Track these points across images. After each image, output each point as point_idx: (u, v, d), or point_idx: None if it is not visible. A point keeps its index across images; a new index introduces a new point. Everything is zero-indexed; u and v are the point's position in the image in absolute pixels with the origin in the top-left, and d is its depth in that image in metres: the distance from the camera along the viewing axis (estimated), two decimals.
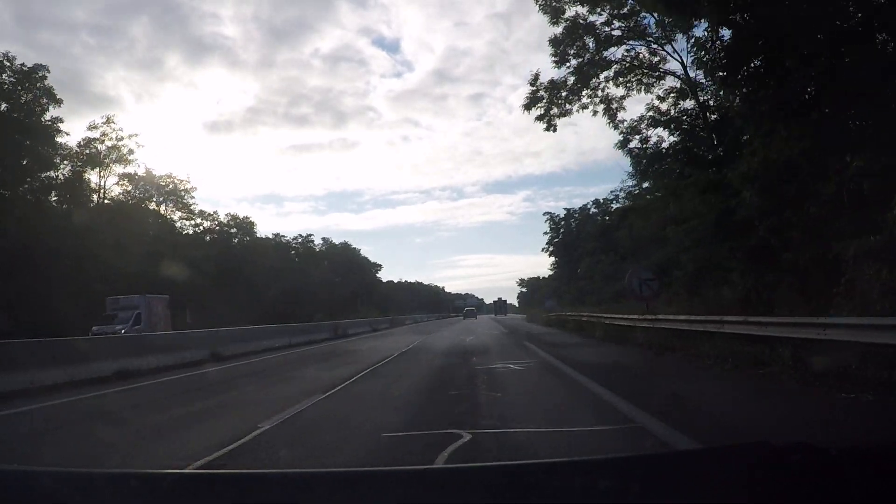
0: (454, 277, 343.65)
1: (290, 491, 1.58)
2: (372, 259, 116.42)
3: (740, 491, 1.35)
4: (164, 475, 2.12)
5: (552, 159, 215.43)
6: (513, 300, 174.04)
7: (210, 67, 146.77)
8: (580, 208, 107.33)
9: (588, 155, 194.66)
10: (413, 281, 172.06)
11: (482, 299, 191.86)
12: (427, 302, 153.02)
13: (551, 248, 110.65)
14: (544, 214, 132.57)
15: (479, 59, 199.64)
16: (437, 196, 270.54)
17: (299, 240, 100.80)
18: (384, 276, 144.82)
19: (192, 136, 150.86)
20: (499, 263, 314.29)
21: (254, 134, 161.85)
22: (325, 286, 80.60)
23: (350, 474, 1.70)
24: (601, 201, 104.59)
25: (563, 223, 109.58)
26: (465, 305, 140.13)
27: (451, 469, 1.98)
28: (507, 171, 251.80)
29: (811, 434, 5.71)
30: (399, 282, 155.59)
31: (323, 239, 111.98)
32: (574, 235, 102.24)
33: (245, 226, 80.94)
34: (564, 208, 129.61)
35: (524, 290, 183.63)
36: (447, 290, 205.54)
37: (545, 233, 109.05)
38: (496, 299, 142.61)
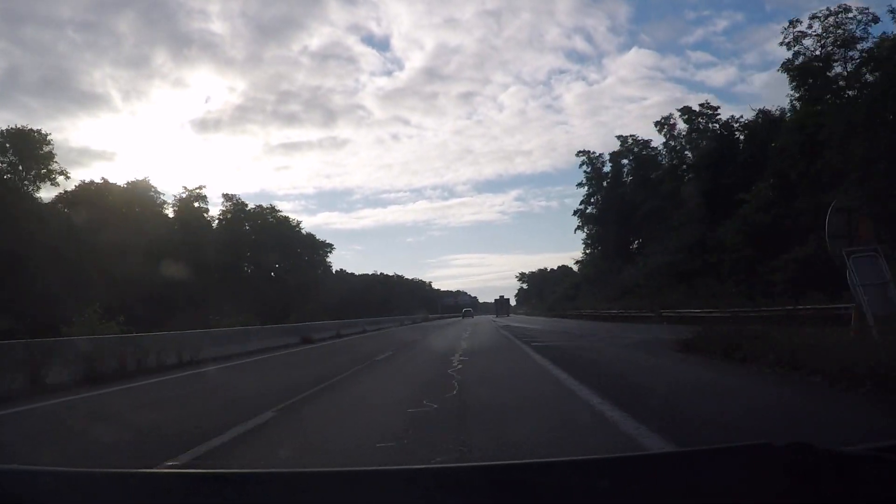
0: (446, 277, 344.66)
1: (290, 491, 1.58)
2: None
3: (741, 491, 1.36)
4: (164, 475, 2.11)
5: (543, 158, 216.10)
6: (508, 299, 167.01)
7: (198, 65, 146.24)
8: (663, 123, 55.42)
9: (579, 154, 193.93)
10: (391, 274, 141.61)
11: (475, 297, 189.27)
12: (410, 300, 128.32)
13: (586, 213, 71.45)
14: (578, 154, 74.44)
15: (469, 56, 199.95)
16: (427, 195, 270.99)
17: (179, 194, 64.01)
18: (365, 272, 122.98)
19: (181, 134, 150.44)
20: (491, 263, 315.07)
21: (242, 132, 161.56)
22: (209, 271, 53.98)
23: (350, 474, 1.70)
24: (697, 111, 50.23)
25: (608, 171, 69.97)
26: (457, 304, 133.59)
27: (450, 468, 1.99)
28: (498, 169, 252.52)
29: None
30: (374, 274, 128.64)
31: (225, 195, 72.47)
32: (630, 189, 62.55)
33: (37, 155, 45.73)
34: (618, 136, 71.62)
35: (524, 285, 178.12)
36: (435, 286, 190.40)
37: (580, 184, 73.22)
38: (498, 297, 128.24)
